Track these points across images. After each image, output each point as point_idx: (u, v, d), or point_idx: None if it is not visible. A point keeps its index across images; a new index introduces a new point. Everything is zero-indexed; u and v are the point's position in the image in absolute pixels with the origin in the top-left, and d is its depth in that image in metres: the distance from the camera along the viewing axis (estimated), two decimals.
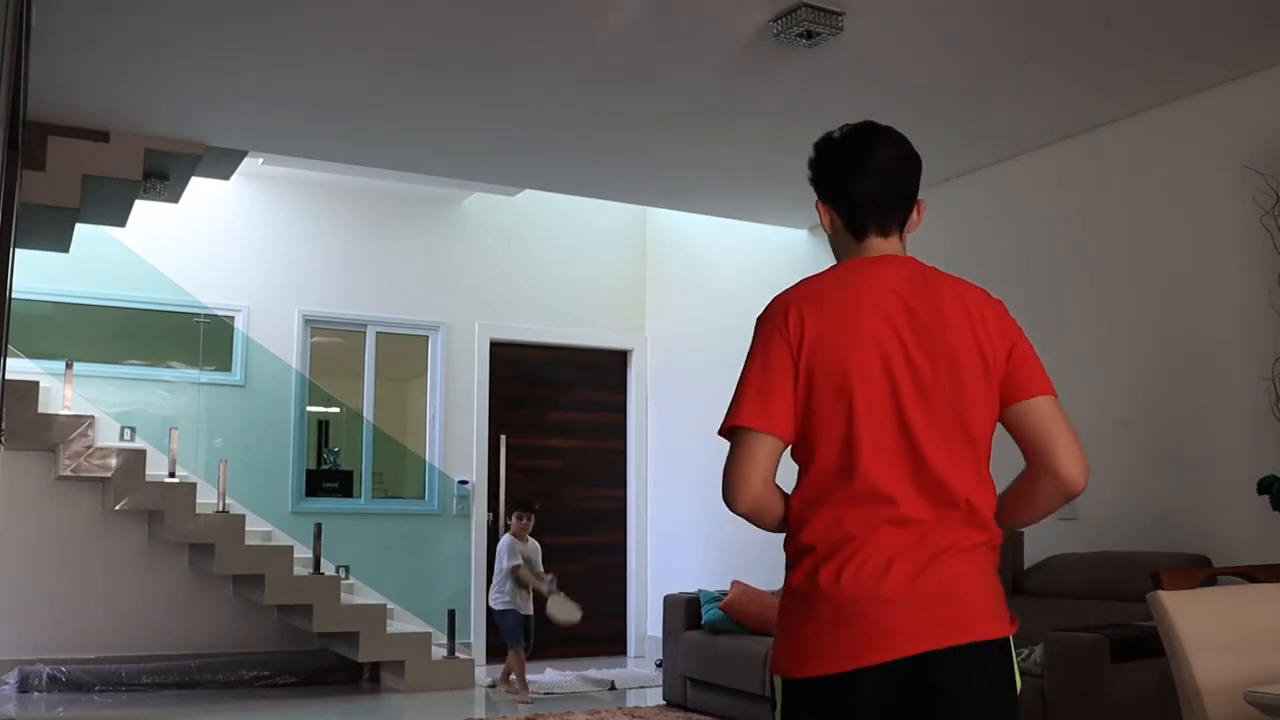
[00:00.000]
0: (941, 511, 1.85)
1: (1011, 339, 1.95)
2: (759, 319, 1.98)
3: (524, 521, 6.92)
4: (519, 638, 6.81)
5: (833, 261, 2.11)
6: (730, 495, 1.91)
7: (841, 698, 1.80)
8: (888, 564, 1.81)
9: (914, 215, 2.08)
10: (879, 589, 1.80)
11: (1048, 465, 1.90)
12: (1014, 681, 1.88)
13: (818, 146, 2.12)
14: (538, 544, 7.03)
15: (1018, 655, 1.94)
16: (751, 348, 1.96)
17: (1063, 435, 1.90)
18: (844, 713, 1.81)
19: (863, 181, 2.03)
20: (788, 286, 2.01)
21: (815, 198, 2.15)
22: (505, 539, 6.94)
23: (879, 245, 2.03)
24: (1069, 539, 5.19)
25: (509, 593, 6.79)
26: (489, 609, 7.16)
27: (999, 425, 1.97)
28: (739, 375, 1.95)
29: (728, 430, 1.92)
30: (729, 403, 1.93)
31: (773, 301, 1.99)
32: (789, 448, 1.93)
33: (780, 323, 1.92)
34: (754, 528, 1.99)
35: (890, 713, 1.81)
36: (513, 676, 6.85)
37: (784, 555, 1.96)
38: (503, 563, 6.85)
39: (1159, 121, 5.19)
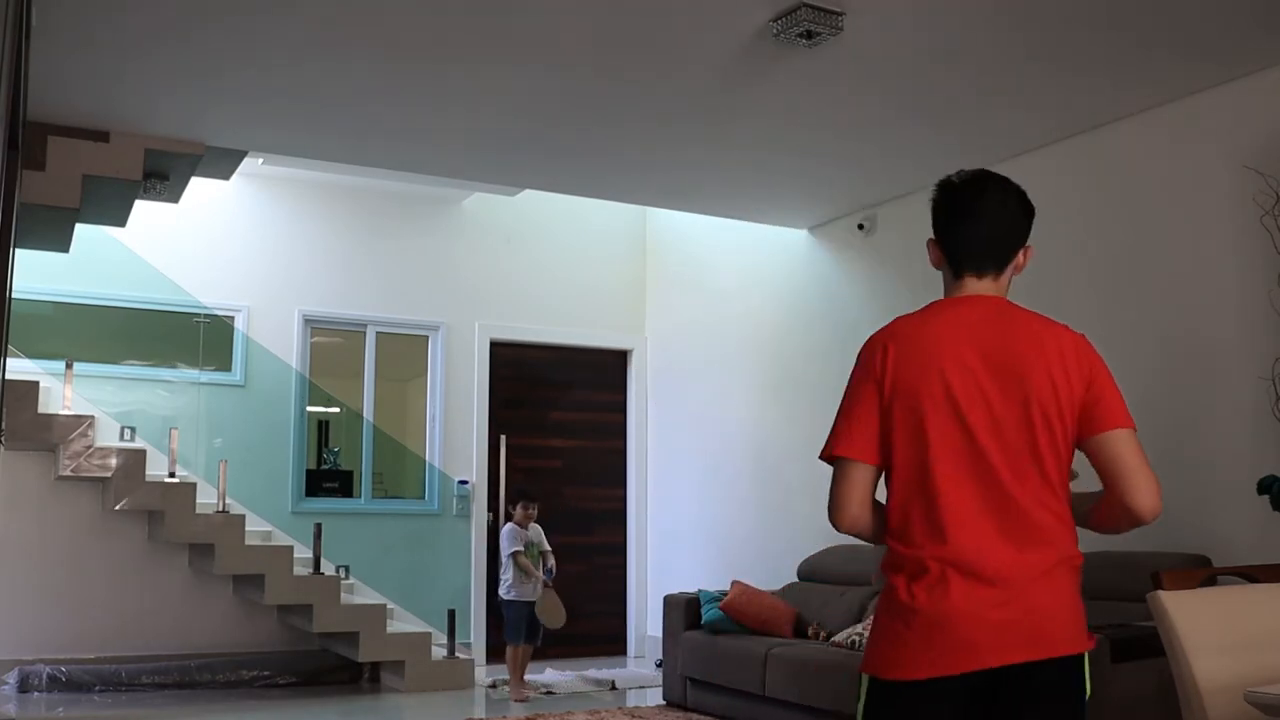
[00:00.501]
0: (1019, 538, 1.98)
1: (1090, 372, 2.06)
2: (860, 352, 2.16)
3: (529, 510, 6.90)
4: (520, 635, 6.76)
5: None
6: (832, 517, 2.13)
7: (922, 703, 1.97)
8: (971, 587, 1.96)
9: (1019, 258, 2.20)
10: (964, 605, 1.95)
11: (1119, 498, 2.02)
12: (1084, 694, 2.02)
13: (936, 189, 2.25)
14: (540, 528, 6.99)
15: None
16: (850, 378, 2.15)
17: (1136, 470, 2.01)
18: (922, 717, 1.98)
19: (965, 228, 2.18)
20: (885, 324, 2.17)
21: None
22: (507, 527, 6.92)
23: (973, 285, 2.17)
24: None
25: (514, 580, 6.76)
26: (497, 603, 7.15)
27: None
28: (840, 403, 2.15)
29: (828, 457, 2.13)
30: (830, 429, 2.13)
31: (870, 338, 2.17)
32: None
33: (869, 360, 2.12)
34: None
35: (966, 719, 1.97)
36: (527, 677, 6.88)
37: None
38: (505, 550, 6.85)
39: (1159, 121, 5.19)
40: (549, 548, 7.00)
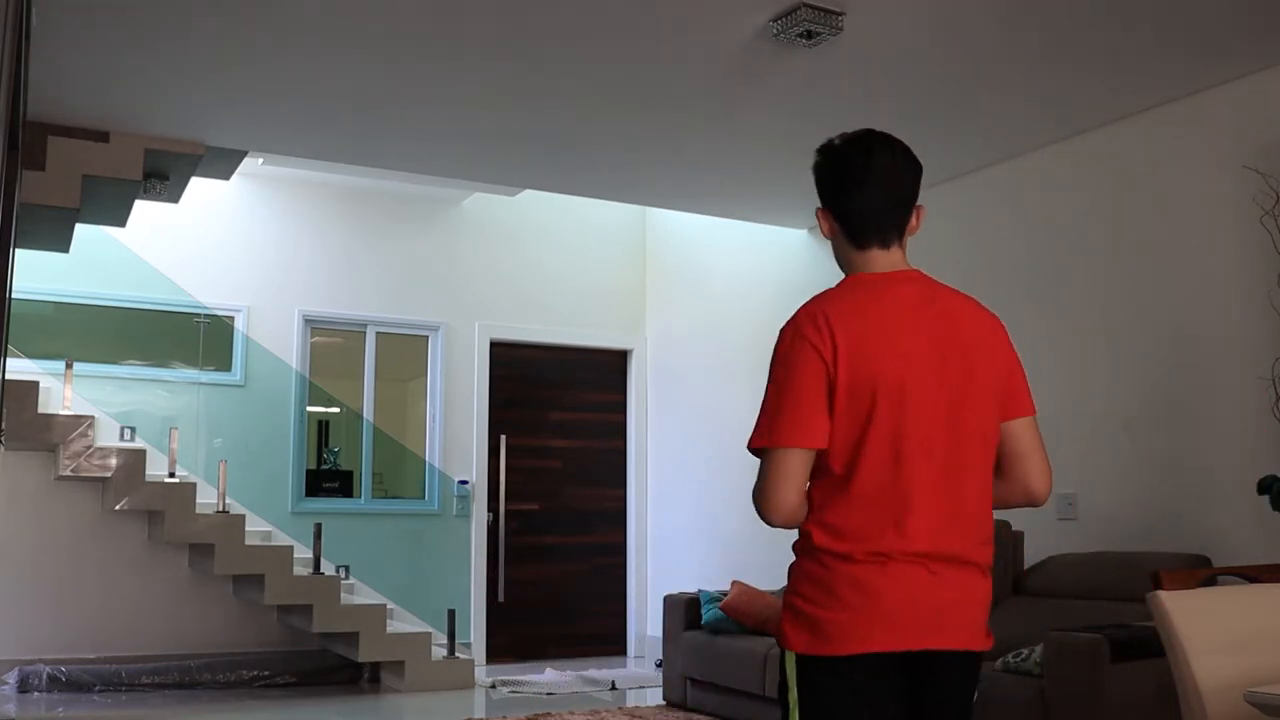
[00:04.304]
0: (956, 526, 1.99)
1: (1010, 356, 2.11)
2: (783, 334, 2.03)
3: None
4: None
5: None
6: (768, 512, 2.01)
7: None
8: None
9: (913, 220, 2.13)
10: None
11: (1021, 480, 2.10)
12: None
13: (819, 154, 2.15)
14: None
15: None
16: (776, 364, 2.01)
17: (1035, 452, 2.10)
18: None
19: (861, 192, 2.08)
20: (804, 303, 2.06)
21: (815, 199, 2.18)
22: None
23: (880, 256, 2.09)
24: (1068, 539, 5.19)
25: None
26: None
27: None
28: (765, 393, 2.01)
29: (756, 450, 2.00)
30: (756, 421, 2.01)
31: (796, 316, 2.03)
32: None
33: (811, 334, 1.98)
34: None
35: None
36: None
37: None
38: None
39: (1159, 121, 5.19)
40: None
